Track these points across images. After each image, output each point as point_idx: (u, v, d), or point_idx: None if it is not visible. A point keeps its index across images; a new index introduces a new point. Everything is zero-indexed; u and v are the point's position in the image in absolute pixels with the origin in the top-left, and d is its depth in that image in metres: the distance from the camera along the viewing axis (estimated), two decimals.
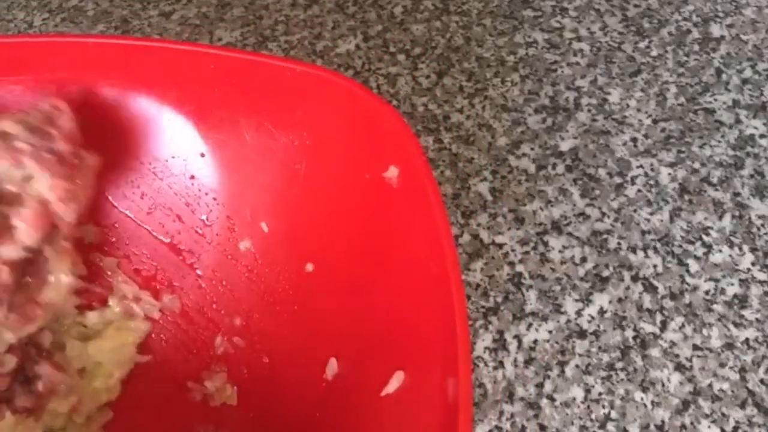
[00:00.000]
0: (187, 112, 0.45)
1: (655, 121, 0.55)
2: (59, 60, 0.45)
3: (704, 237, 0.50)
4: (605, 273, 0.49)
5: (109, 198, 0.47)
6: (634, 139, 0.54)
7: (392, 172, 0.38)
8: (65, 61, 0.45)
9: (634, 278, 0.48)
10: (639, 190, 0.52)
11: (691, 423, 0.43)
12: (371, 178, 0.39)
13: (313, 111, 0.42)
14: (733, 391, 0.44)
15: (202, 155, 0.46)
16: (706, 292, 0.48)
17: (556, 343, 0.46)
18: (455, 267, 0.33)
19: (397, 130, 0.38)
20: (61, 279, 0.40)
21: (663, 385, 0.44)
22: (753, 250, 0.49)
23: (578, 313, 0.47)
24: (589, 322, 0.47)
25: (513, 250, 0.50)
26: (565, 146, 0.54)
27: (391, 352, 0.37)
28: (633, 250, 0.50)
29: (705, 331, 0.46)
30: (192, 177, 0.46)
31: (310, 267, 0.43)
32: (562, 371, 0.45)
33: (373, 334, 0.39)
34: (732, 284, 0.48)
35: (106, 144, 0.45)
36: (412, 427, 0.33)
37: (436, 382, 0.33)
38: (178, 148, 0.46)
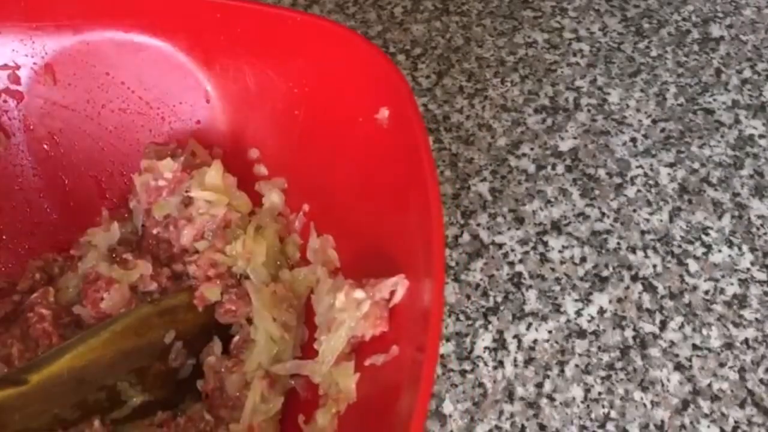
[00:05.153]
0: (195, 58, 0.46)
1: (654, 122, 0.55)
2: (76, 6, 0.46)
3: (704, 237, 0.50)
4: (605, 273, 0.49)
5: None
6: (634, 140, 0.54)
7: (383, 114, 0.40)
8: (82, 7, 0.46)
9: (634, 278, 0.48)
10: (638, 190, 0.52)
11: (691, 423, 0.43)
12: (364, 120, 0.41)
13: (312, 59, 0.44)
14: (732, 391, 0.44)
15: (208, 101, 0.47)
16: (706, 292, 0.48)
17: (556, 342, 0.46)
18: (436, 197, 0.35)
19: (388, 73, 0.40)
20: None
21: (662, 384, 0.44)
22: (752, 249, 0.49)
23: (578, 313, 0.47)
24: (589, 321, 0.47)
25: (513, 250, 0.50)
26: (564, 146, 0.54)
27: (390, 268, 0.38)
28: (633, 250, 0.50)
29: (704, 331, 0.46)
30: (198, 122, 0.48)
31: (306, 207, 0.45)
32: (562, 371, 0.45)
33: (372, 257, 0.40)
34: (731, 284, 0.48)
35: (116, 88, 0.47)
36: (409, 332, 0.36)
37: (420, 287, 0.35)
38: (186, 93, 0.47)
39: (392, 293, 0.37)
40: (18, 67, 0.47)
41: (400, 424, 0.32)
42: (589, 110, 0.56)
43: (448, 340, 0.47)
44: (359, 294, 0.37)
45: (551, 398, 0.44)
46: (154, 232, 0.43)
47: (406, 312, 0.36)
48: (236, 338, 0.41)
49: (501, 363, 0.46)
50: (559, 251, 0.50)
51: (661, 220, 0.51)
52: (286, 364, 0.39)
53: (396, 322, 0.37)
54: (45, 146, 0.48)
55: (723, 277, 0.48)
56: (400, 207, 0.39)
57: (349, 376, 0.37)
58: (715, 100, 0.56)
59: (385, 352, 0.36)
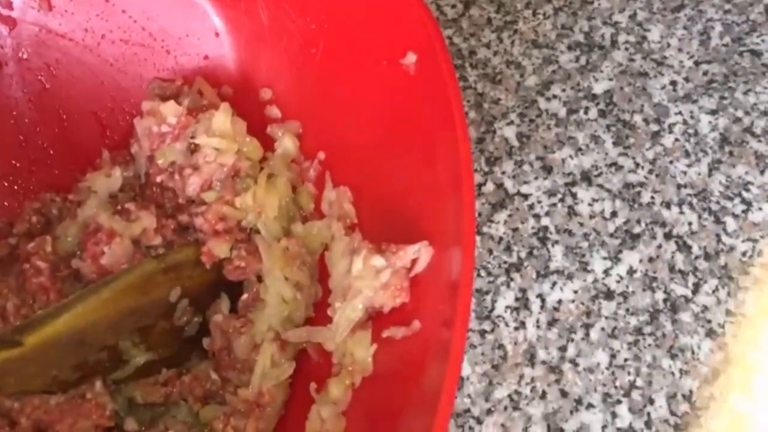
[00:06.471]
0: None
1: (697, 63, 0.51)
2: None
3: (744, 193, 0.47)
4: (636, 229, 0.46)
5: None
6: (674, 83, 0.50)
7: (410, 59, 0.37)
8: None
9: (667, 236, 0.46)
10: (676, 140, 0.49)
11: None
12: (388, 64, 0.37)
13: None
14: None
15: (217, 34, 0.44)
16: (743, 254, 0.45)
17: (582, 303, 0.44)
18: (467, 155, 0.33)
19: (417, 15, 0.36)
20: None
21: (693, 352, 0.42)
22: None
23: (606, 272, 0.45)
24: (618, 282, 0.44)
25: (539, 202, 0.47)
26: (599, 88, 0.50)
27: (412, 230, 0.36)
28: (667, 205, 0.46)
29: (740, 296, 0.44)
30: (206, 57, 0.45)
31: (321, 155, 0.42)
32: (587, 334, 0.43)
33: (393, 216, 0.38)
34: None
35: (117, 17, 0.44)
36: (433, 305, 0.33)
37: (446, 255, 0.33)
38: (192, 25, 0.44)
39: (414, 261, 0.34)
40: None
41: (422, 404, 0.30)
42: (626, 48, 0.52)
43: None
44: (378, 261, 0.34)
45: (574, 363, 0.42)
46: (158, 180, 0.40)
47: (429, 282, 0.34)
48: (245, 296, 0.39)
49: (523, 324, 0.43)
50: (589, 204, 0.47)
51: (699, 173, 0.47)
52: (298, 331, 0.37)
53: (418, 292, 0.34)
54: (40, 77, 0.45)
55: (762, 237, 0.45)
56: (425, 163, 0.36)
57: (365, 347, 0.35)
58: (763, 41, 0.52)
59: (406, 326, 0.33)
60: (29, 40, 0.44)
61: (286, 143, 0.42)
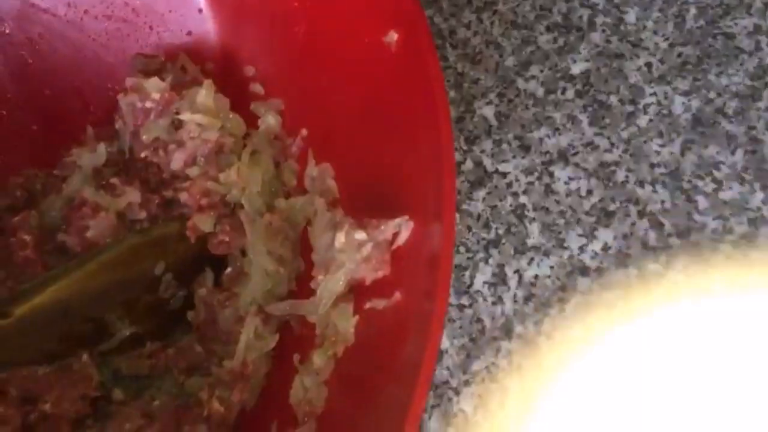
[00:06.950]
0: None
1: (671, 45, 0.52)
2: None
3: (715, 172, 0.48)
4: (611, 207, 0.47)
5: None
6: (649, 65, 0.52)
7: (391, 37, 0.37)
8: None
9: (641, 214, 0.47)
10: (651, 120, 0.50)
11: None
12: (370, 42, 0.38)
13: None
14: None
15: (200, 11, 0.45)
16: (714, 231, 0.46)
17: (558, 279, 0.45)
18: (448, 134, 0.33)
19: None
20: None
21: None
22: (764, 187, 0.47)
23: (581, 249, 0.46)
24: (592, 258, 0.46)
25: (517, 180, 0.48)
26: (576, 69, 0.51)
27: (394, 206, 0.37)
28: (641, 183, 0.48)
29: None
30: (189, 33, 0.45)
31: (304, 132, 0.42)
32: (562, 309, 0.44)
33: (374, 192, 0.39)
34: (741, 223, 0.46)
35: None
36: (414, 277, 0.34)
37: (427, 230, 0.34)
38: (176, 1, 0.45)
39: (395, 235, 0.35)
40: None
41: (402, 374, 0.31)
42: (604, 30, 0.53)
43: None
44: (360, 235, 0.35)
45: (550, 337, 0.43)
46: (143, 155, 0.41)
47: (410, 255, 0.35)
48: (229, 270, 0.40)
49: (500, 299, 0.45)
50: (565, 182, 0.48)
51: (672, 153, 0.49)
52: (281, 304, 0.38)
53: (399, 265, 0.35)
54: (23, 53, 0.45)
55: (732, 215, 0.47)
56: (406, 140, 0.37)
57: (348, 318, 0.35)
58: (736, 24, 0.53)
59: (387, 298, 0.34)
60: (11, 14, 0.44)
61: (269, 120, 0.42)
